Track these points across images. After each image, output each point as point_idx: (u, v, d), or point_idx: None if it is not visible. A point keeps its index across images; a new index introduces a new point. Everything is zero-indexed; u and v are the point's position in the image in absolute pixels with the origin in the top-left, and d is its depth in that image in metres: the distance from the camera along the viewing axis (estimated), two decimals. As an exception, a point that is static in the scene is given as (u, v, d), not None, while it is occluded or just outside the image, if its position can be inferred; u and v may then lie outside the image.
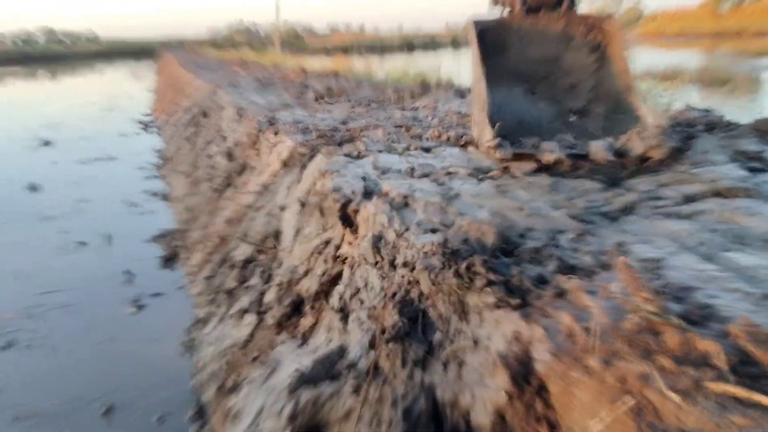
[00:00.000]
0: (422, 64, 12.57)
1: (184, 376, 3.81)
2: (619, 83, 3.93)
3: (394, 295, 2.13)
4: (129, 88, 25.69)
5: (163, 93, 19.64)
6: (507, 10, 4.18)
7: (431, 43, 45.58)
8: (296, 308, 3.28)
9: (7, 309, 4.77)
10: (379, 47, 41.99)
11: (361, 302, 2.63)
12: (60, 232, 6.69)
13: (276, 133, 5.60)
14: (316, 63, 16.26)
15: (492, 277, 1.81)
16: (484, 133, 3.53)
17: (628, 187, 2.86)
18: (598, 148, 3.37)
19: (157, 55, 47.56)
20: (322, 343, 2.81)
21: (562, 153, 3.33)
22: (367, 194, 3.18)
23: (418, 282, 2.12)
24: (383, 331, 2.05)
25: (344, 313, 2.76)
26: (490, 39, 3.97)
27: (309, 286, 3.24)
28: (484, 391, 1.60)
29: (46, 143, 12.16)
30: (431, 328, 1.98)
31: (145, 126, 14.13)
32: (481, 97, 3.70)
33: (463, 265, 1.88)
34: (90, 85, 33.17)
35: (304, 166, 4.38)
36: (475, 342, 1.76)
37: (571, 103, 4.11)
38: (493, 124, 3.58)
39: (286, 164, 4.86)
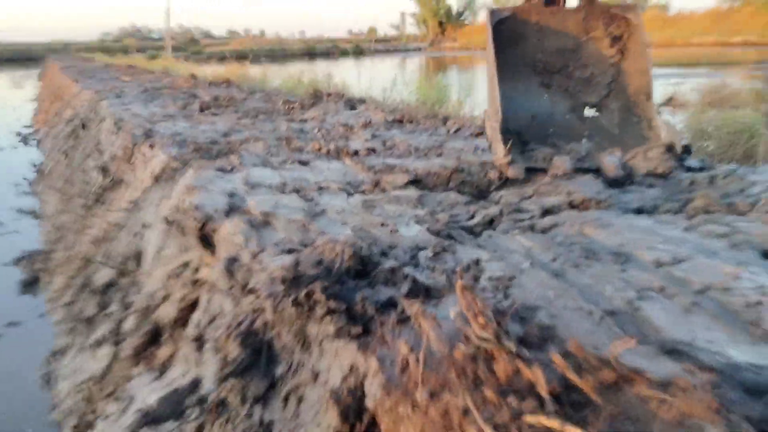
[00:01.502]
0: (318, 72, 12.43)
1: (42, 412, 3.47)
2: (637, 83, 3.74)
3: (240, 324, 1.97)
4: (8, 97, 23.94)
5: (45, 103, 18.41)
6: None
7: (333, 51, 45.51)
8: (154, 337, 3.03)
9: None
10: (281, 54, 41.49)
11: (217, 330, 2.45)
12: None
13: (151, 147, 5.27)
14: (209, 70, 15.76)
15: (332, 304, 1.68)
16: (496, 148, 3.23)
17: (493, 200, 2.84)
18: (610, 164, 3.19)
19: (42, 62, 44.79)
20: (179, 375, 2.59)
21: (573, 167, 3.19)
22: (231, 212, 2.99)
23: (264, 310, 1.97)
24: (225, 365, 1.87)
25: (200, 342, 2.55)
26: (507, 30, 3.70)
27: (167, 312, 3.00)
28: (315, 431, 1.46)
29: None
30: (276, 360, 1.83)
31: (25, 138, 13.15)
32: (494, 104, 3.40)
33: (303, 293, 1.75)
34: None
35: (174, 182, 4.12)
36: (315, 375, 1.63)
37: (587, 96, 3.92)
38: (505, 130, 3.32)
39: (157, 179, 4.56)
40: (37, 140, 12.78)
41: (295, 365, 1.74)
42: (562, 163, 3.22)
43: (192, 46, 45.75)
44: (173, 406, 2.18)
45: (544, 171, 3.23)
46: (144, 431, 2.04)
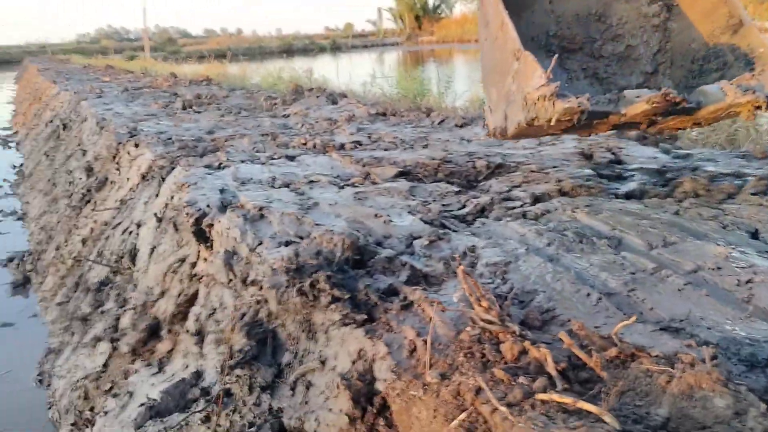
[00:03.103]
0: (298, 68, 12.42)
1: (39, 410, 3.49)
2: (707, 28, 2.77)
3: (243, 315, 2.00)
4: (-17, 99, 23.53)
5: (23, 105, 18.16)
6: None
7: (311, 47, 45.32)
8: (152, 333, 3.05)
9: None
10: (258, 51, 41.26)
11: (218, 323, 2.48)
12: None
13: (137, 146, 5.26)
14: (189, 69, 15.66)
15: (336, 293, 1.73)
16: (526, 76, 2.33)
17: (482, 189, 2.90)
18: (714, 94, 2.34)
19: (18, 64, 44.02)
20: (179, 369, 2.62)
21: (658, 102, 2.21)
22: (224, 207, 3.02)
23: (266, 301, 2.01)
24: (231, 356, 1.91)
25: (200, 335, 2.59)
26: None
27: (165, 308, 3.02)
28: (327, 415, 1.51)
29: None
30: (281, 349, 1.88)
31: (4, 141, 12.98)
32: (508, 40, 2.51)
33: (307, 283, 1.79)
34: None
35: (162, 179, 4.13)
36: (323, 362, 1.67)
37: (625, 78, 2.99)
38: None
39: (144, 178, 4.56)
40: (16, 142, 12.63)
41: (301, 353, 1.78)
42: (637, 94, 2.31)
43: (169, 45, 45.26)
44: (177, 398, 2.21)
45: (605, 116, 2.37)
46: (150, 424, 2.07)
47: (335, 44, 47.49)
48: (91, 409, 3.03)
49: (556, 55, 2.41)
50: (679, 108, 2.28)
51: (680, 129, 2.78)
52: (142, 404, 2.25)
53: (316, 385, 1.65)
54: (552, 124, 2.24)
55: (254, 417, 1.75)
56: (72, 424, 3.16)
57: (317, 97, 7.74)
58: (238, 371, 1.87)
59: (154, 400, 2.23)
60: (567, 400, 1.17)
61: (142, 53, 29.54)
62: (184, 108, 7.51)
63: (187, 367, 2.57)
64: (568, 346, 1.30)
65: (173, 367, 2.70)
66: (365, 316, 1.66)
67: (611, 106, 2.31)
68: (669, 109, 2.28)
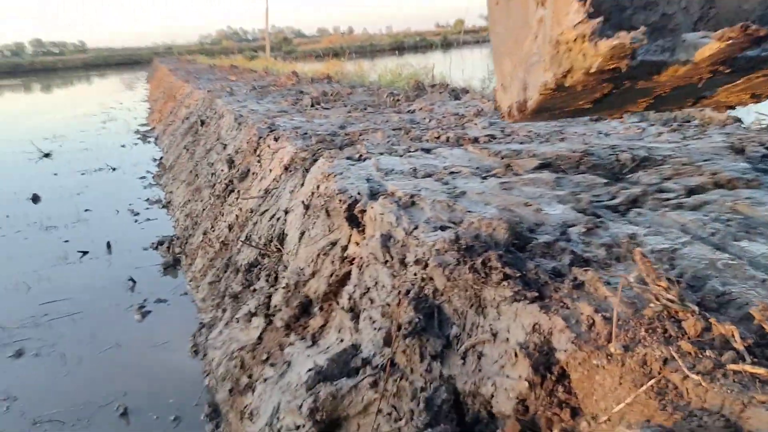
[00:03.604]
0: (415, 65, 12.61)
1: (195, 378, 3.84)
2: None
3: (408, 292, 2.16)
4: (123, 99, 25.67)
5: (157, 103, 19.64)
6: None
7: (422, 44, 45.66)
8: (304, 310, 3.30)
9: (13, 318, 4.77)
10: (369, 49, 42.07)
11: (372, 301, 2.66)
12: (62, 241, 6.70)
13: (276, 140, 5.62)
14: (307, 67, 16.31)
15: (508, 271, 1.84)
16: (557, 16, 1.87)
17: (630, 181, 2.90)
18: None
19: (148, 64, 47.43)
20: (334, 342, 2.83)
21: (736, 37, 1.73)
22: (373, 195, 3.21)
23: (431, 279, 2.15)
24: (399, 328, 2.07)
25: (354, 312, 2.78)
26: None
27: (317, 287, 3.26)
28: (505, 381, 1.63)
29: (47, 155, 12.17)
30: (447, 322, 2.01)
31: (143, 136, 14.14)
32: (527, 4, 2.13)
33: (479, 261, 1.92)
34: (84, 95, 33.13)
35: (306, 170, 4.41)
36: (494, 334, 1.79)
37: (671, 20, 2.40)
38: None
39: (287, 169, 4.88)
40: (155, 137, 13.70)
41: (469, 326, 1.91)
42: (713, 36, 1.79)
43: (285, 45, 47.30)
44: (341, 366, 2.41)
45: (660, 68, 1.94)
46: (320, 386, 2.28)
47: (446, 41, 47.51)
48: (249, 377, 3.33)
49: None
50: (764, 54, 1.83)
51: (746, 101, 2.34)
52: (309, 369, 2.47)
53: (488, 354, 1.77)
54: (591, 74, 1.82)
55: (425, 382, 1.90)
56: (229, 390, 3.48)
57: (440, 93, 7.88)
58: (407, 341, 2.02)
59: (321, 366, 2.44)
60: (760, 371, 1.22)
61: (262, 53, 31.01)
62: (312, 105, 7.88)
63: (342, 341, 2.78)
64: (760, 322, 1.34)
65: (327, 341, 2.92)
66: (536, 294, 1.76)
67: (666, 55, 1.86)
68: (750, 56, 1.84)
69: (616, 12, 2.16)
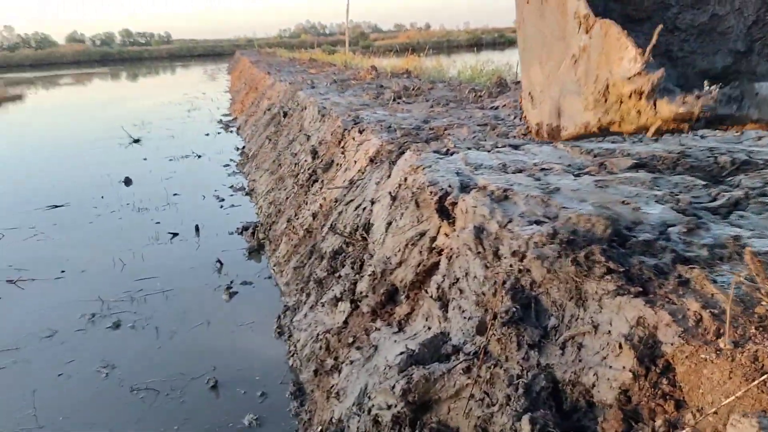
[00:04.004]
0: (496, 61, 12.53)
1: (279, 358, 4.00)
2: None
3: (504, 282, 2.21)
4: (205, 89, 26.61)
5: (239, 93, 20.27)
6: None
7: (500, 41, 45.09)
8: (390, 297, 3.40)
9: (111, 293, 5.10)
10: (446, 45, 41.93)
11: (461, 291, 2.72)
12: (154, 223, 7.07)
13: (361, 132, 5.75)
14: (385, 62, 16.45)
15: (612, 265, 1.86)
16: (606, 56, 1.66)
17: (731, 184, 2.84)
18: None
19: (229, 56, 48.83)
20: (421, 330, 2.91)
21: None
22: (464, 188, 3.26)
23: (528, 270, 2.19)
24: (494, 317, 2.13)
25: (443, 301, 2.85)
26: None
27: (403, 276, 3.34)
28: (608, 371, 1.66)
29: (136, 141, 12.82)
30: (545, 313, 2.05)
31: (226, 126, 14.65)
32: (566, 12, 1.88)
33: (582, 254, 1.95)
34: (168, 85, 34.55)
35: (392, 163, 4.50)
36: (595, 326, 1.82)
37: (707, 58, 2.31)
38: None
39: (373, 161, 4.99)
40: (236, 127, 14.17)
41: (567, 318, 1.95)
42: None
43: (362, 40, 47.82)
44: (432, 351, 2.48)
45: (726, 121, 1.62)
46: (413, 369, 2.36)
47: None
48: (335, 359, 3.46)
49: (660, 26, 1.55)
50: None
51: None
52: (401, 353, 2.55)
53: (588, 345, 1.80)
54: (648, 132, 1.59)
55: (522, 370, 1.95)
56: (314, 371, 3.62)
57: (523, 90, 7.81)
58: (503, 330, 2.07)
59: (412, 350, 2.52)
60: None
61: (339, 47, 31.48)
62: (394, 99, 7.99)
63: (429, 328, 2.85)
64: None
65: (414, 328, 3.00)
66: (640, 289, 1.78)
67: (733, 108, 1.56)
68: None
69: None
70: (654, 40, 1.48)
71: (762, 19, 2.20)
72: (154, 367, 3.93)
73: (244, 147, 11.47)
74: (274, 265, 5.48)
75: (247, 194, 8.24)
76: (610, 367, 1.66)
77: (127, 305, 4.88)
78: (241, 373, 3.82)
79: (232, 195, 8.25)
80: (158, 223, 7.07)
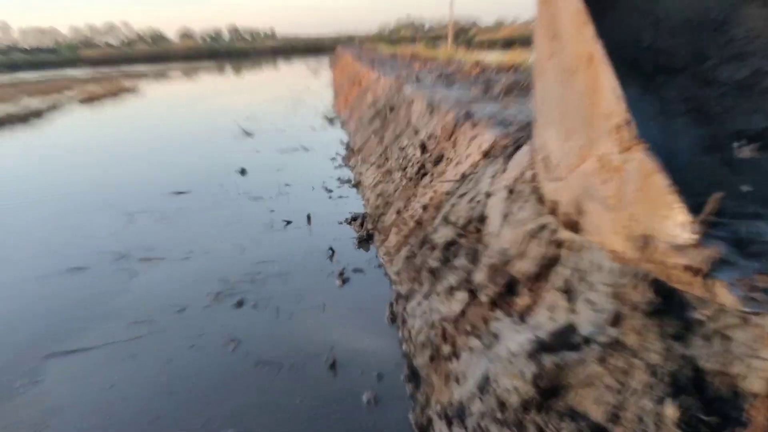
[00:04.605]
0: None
1: (392, 343, 4.12)
2: None
3: (644, 275, 2.20)
4: (308, 84, 27.41)
5: (342, 88, 20.75)
6: None
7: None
8: (509, 288, 3.43)
9: (234, 274, 5.42)
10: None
11: (589, 283, 2.72)
12: (269, 211, 7.43)
13: (474, 126, 5.79)
14: (490, 56, 16.31)
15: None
16: (645, 197, 1.55)
17: None
18: None
19: (330, 51, 49.88)
20: (545, 321, 2.93)
21: None
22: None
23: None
24: (634, 308, 2.13)
25: (568, 293, 2.86)
26: None
27: (524, 268, 3.37)
28: (759, 363, 1.64)
29: (248, 134, 13.45)
30: (687, 306, 2.03)
31: (330, 120, 15.06)
32: (601, 91, 1.70)
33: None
34: (272, 80, 35.84)
35: (508, 157, 4.51)
36: (744, 319, 1.80)
37: (744, 118, 2.14)
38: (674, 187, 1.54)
39: (486, 155, 5.02)
40: (341, 121, 14.53)
41: (712, 311, 1.93)
42: None
43: (462, 34, 47.55)
44: (561, 340, 2.51)
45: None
46: (544, 356, 2.40)
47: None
48: (453, 345, 3.54)
49: (719, 194, 1.34)
50: None
51: None
52: (531, 341, 2.60)
53: (735, 338, 1.78)
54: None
55: (663, 360, 1.95)
56: (430, 357, 3.72)
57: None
58: (641, 321, 2.07)
59: (542, 339, 2.56)
60: None
61: (441, 41, 31.49)
62: (504, 93, 7.95)
63: (553, 320, 2.87)
64: None
65: (537, 319, 3.02)
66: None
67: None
68: None
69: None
70: (709, 209, 1.30)
71: None
72: (275, 343, 4.16)
73: (348, 141, 11.77)
74: (384, 254, 5.63)
75: (353, 186, 8.47)
76: (761, 357, 1.64)
77: (248, 286, 5.17)
78: (356, 355, 3.98)
79: (339, 187, 8.50)
80: (272, 211, 7.42)
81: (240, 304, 4.82)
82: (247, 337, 4.26)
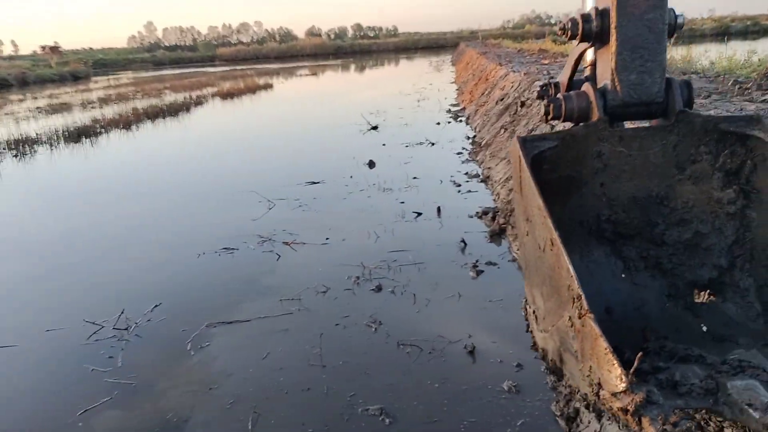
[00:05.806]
0: (759, 51, 11.30)
1: (527, 335, 4.14)
2: None
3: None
4: (431, 80, 27.59)
5: (466, 84, 20.73)
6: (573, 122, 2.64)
7: (753, 29, 40.09)
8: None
9: (371, 260, 5.65)
10: (687, 35, 38.52)
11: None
12: (398, 202, 7.64)
13: (615, 121, 5.65)
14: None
15: None
16: (597, 361, 1.77)
17: None
18: None
19: (452, 48, 49.83)
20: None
21: None
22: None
23: None
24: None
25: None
26: (549, 170, 2.55)
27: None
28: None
29: (374, 127, 13.82)
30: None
31: (455, 115, 15.13)
32: (563, 276, 1.99)
33: None
34: (395, 76, 36.37)
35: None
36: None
37: (694, 271, 2.57)
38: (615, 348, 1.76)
39: (631, 150, 4.90)
40: (465, 117, 14.55)
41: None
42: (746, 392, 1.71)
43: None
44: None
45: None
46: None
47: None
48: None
49: (641, 354, 1.69)
50: None
51: None
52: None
53: None
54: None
55: None
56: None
57: (799, 83, 7.02)
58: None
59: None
60: None
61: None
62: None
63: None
64: None
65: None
66: None
67: (710, 401, 1.74)
68: None
69: None
70: (636, 365, 1.63)
71: (741, 239, 2.47)
72: (414, 327, 4.32)
73: (474, 136, 11.78)
74: (518, 249, 5.65)
75: (481, 181, 8.50)
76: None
77: (384, 272, 5.38)
78: (494, 344, 4.04)
79: (467, 181, 8.56)
80: (402, 202, 7.62)
81: (379, 288, 5.03)
82: (387, 319, 4.45)
